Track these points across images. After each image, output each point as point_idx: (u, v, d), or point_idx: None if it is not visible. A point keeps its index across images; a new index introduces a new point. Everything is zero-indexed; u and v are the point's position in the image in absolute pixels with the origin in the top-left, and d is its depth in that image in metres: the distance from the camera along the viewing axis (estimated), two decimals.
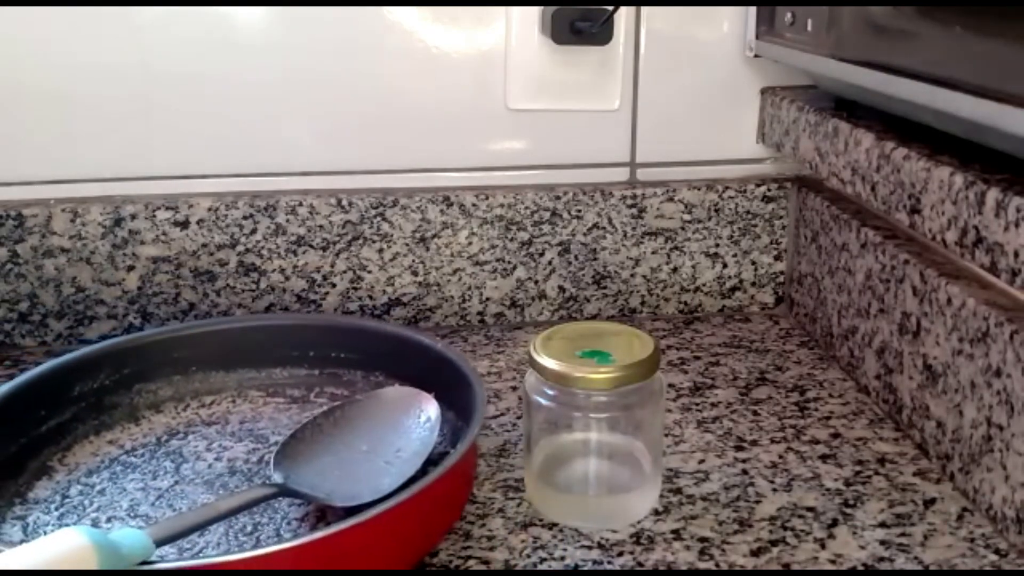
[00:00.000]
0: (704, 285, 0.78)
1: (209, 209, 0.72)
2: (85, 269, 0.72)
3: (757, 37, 0.72)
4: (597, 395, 0.50)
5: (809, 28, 0.63)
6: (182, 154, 0.73)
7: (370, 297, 0.76)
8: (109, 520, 0.52)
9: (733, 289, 0.79)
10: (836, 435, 0.60)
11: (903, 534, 0.50)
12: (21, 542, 0.50)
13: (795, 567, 0.48)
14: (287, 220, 0.73)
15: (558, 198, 0.75)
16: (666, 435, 0.60)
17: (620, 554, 0.49)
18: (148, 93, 0.71)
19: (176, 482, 0.55)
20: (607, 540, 0.50)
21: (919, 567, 0.48)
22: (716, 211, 0.76)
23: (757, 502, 0.53)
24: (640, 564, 0.48)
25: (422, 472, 0.55)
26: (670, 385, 0.67)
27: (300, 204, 0.73)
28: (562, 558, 0.49)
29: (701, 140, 0.77)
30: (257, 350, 0.65)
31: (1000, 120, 0.43)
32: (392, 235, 0.74)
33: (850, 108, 0.65)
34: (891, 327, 0.60)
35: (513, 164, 0.76)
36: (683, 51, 0.75)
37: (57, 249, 0.72)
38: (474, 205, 0.74)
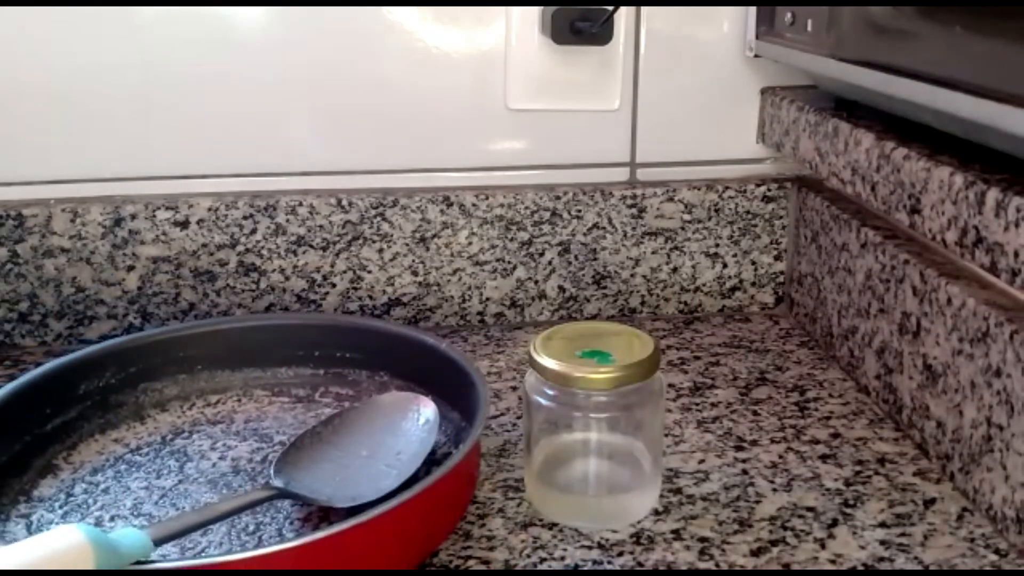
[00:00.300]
0: (704, 285, 0.78)
1: (209, 209, 0.72)
2: (85, 269, 0.72)
3: (757, 37, 0.72)
4: (597, 395, 0.50)
5: (809, 28, 0.63)
6: (182, 154, 0.73)
7: (370, 297, 0.76)
8: (112, 519, 0.52)
9: (733, 289, 0.79)
10: (836, 435, 0.60)
11: (903, 534, 0.50)
12: None
13: (795, 567, 0.48)
14: (287, 220, 0.73)
15: (558, 198, 0.75)
16: (666, 435, 0.60)
17: (620, 554, 0.49)
18: (148, 93, 0.71)
19: (180, 481, 0.55)
20: (607, 540, 0.50)
21: (919, 567, 0.48)
22: (716, 211, 0.76)
23: (757, 502, 0.53)
24: (640, 564, 0.48)
25: (424, 472, 0.56)
26: (670, 385, 0.67)
27: (300, 204, 0.73)
28: (562, 558, 0.49)
29: (701, 140, 0.77)
30: (262, 349, 0.65)
31: (1000, 120, 0.43)
32: (392, 235, 0.74)
33: (850, 108, 0.65)
34: (891, 327, 0.60)
35: (513, 164, 0.76)
36: (683, 51, 0.75)
37: (57, 249, 0.72)
38: (474, 205, 0.74)
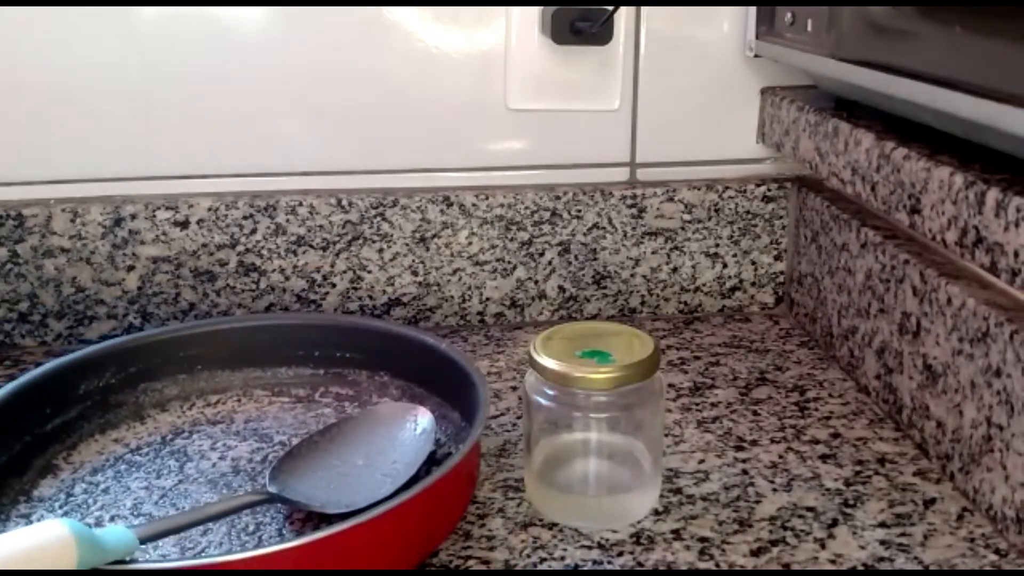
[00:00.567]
0: (704, 285, 0.78)
1: (209, 209, 0.72)
2: (85, 269, 0.72)
3: (757, 37, 0.72)
4: (597, 395, 0.50)
5: (809, 28, 0.63)
6: (182, 154, 0.73)
7: (370, 297, 0.76)
8: (112, 519, 0.52)
9: (733, 289, 0.79)
10: (836, 435, 0.60)
11: (903, 534, 0.50)
12: None
13: (795, 567, 0.48)
14: (287, 220, 0.73)
15: (558, 198, 0.75)
16: (666, 435, 0.60)
17: (620, 554, 0.49)
18: (148, 93, 0.71)
19: (180, 481, 0.55)
20: (607, 540, 0.50)
21: (919, 567, 0.48)
22: (716, 211, 0.76)
23: (757, 502, 0.53)
24: (640, 564, 0.48)
25: (424, 472, 0.56)
26: (670, 385, 0.67)
27: (300, 204, 0.73)
28: (562, 558, 0.49)
29: (701, 140, 0.77)
30: (263, 349, 0.65)
31: (1000, 120, 0.43)
32: (392, 235, 0.74)
33: (850, 108, 0.65)
34: (891, 327, 0.60)
35: (513, 164, 0.76)
36: (683, 51, 0.75)
37: (57, 249, 0.72)
38: (474, 205, 0.74)
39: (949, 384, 0.54)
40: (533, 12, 0.72)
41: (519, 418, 0.62)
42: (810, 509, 0.52)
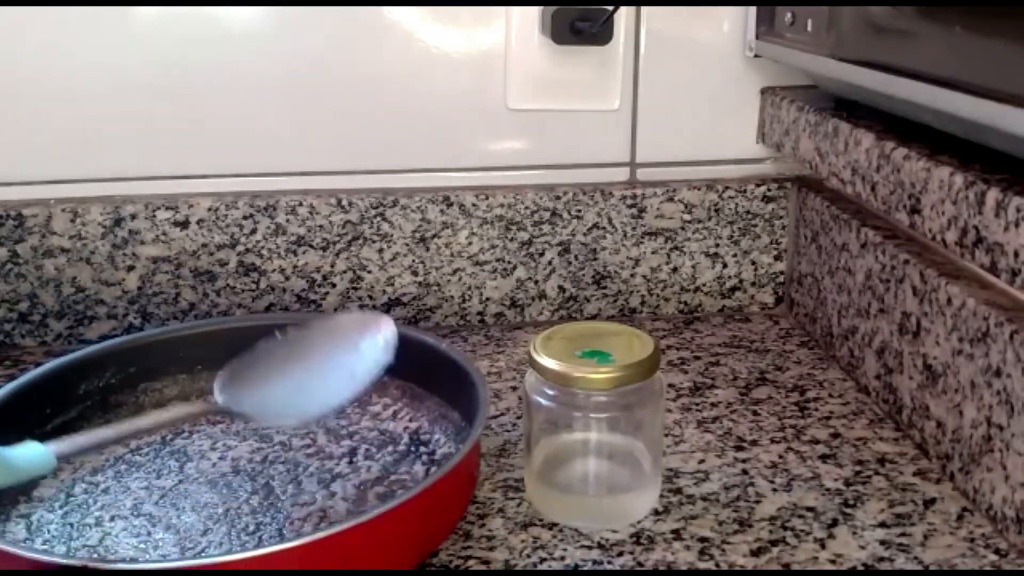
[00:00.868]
0: (704, 285, 0.78)
1: (209, 209, 0.72)
2: (85, 269, 0.72)
3: (757, 37, 0.72)
4: (597, 395, 0.50)
5: (809, 28, 0.63)
6: (182, 154, 0.73)
7: (370, 297, 0.76)
8: (112, 519, 0.52)
9: (733, 289, 0.79)
10: (836, 435, 0.60)
11: (903, 534, 0.50)
12: (25, 540, 0.50)
13: (795, 567, 0.48)
14: (287, 220, 0.73)
15: (558, 198, 0.75)
16: (666, 435, 0.60)
17: (620, 554, 0.49)
18: (148, 93, 0.71)
19: (180, 481, 0.55)
20: (607, 540, 0.50)
21: (919, 567, 0.48)
22: (716, 211, 0.76)
23: (757, 502, 0.53)
24: (640, 564, 0.48)
25: (424, 472, 0.56)
26: (670, 385, 0.67)
27: (300, 204, 0.73)
28: (562, 558, 0.49)
29: (701, 140, 0.77)
30: None
31: (1000, 120, 0.43)
32: (392, 235, 0.74)
33: (850, 108, 0.65)
34: (891, 327, 0.60)
35: (513, 164, 0.76)
36: (683, 51, 0.75)
37: (57, 249, 0.72)
38: (474, 205, 0.74)
39: (949, 384, 0.54)
40: (533, 12, 0.72)
41: (519, 418, 0.62)
42: (810, 509, 0.53)
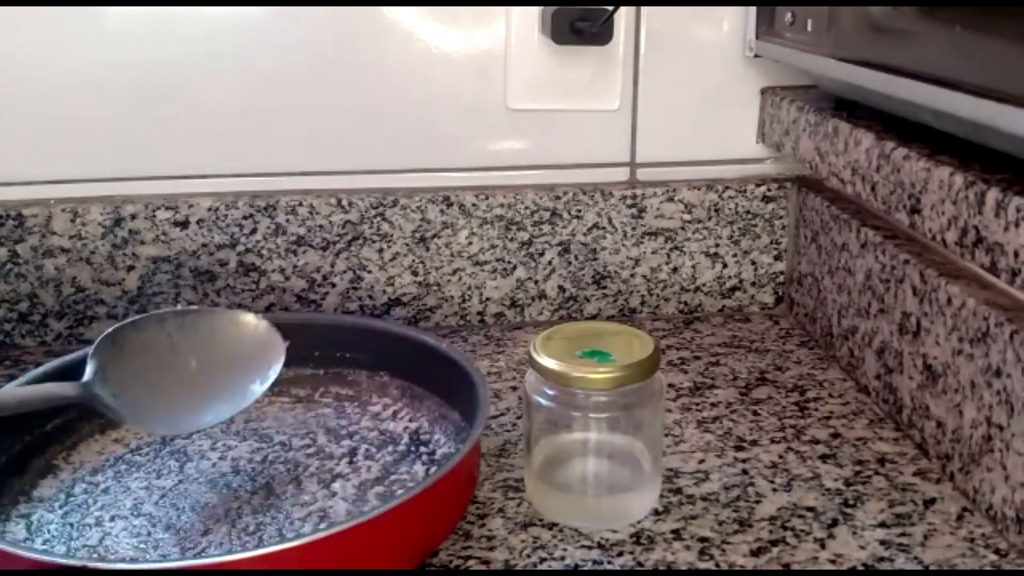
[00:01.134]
0: (704, 285, 0.78)
1: (209, 209, 0.72)
2: (85, 269, 0.72)
3: (757, 37, 0.72)
4: (597, 395, 0.50)
5: (809, 28, 0.63)
6: (182, 154, 0.73)
7: (370, 297, 0.76)
8: (112, 519, 0.52)
9: (733, 289, 0.79)
10: (836, 435, 0.60)
11: (903, 534, 0.50)
12: (25, 540, 0.50)
13: (795, 567, 0.48)
14: (287, 220, 0.73)
15: (558, 198, 0.75)
16: (666, 435, 0.60)
17: (620, 554, 0.49)
18: (148, 93, 0.71)
19: (180, 481, 0.55)
20: (607, 540, 0.50)
21: (919, 567, 0.48)
22: (716, 211, 0.76)
23: (757, 502, 0.53)
24: (640, 564, 0.48)
25: (424, 472, 0.56)
26: (670, 385, 0.67)
27: (300, 204, 0.73)
28: (562, 558, 0.49)
29: (701, 140, 0.77)
30: None
31: (1000, 120, 0.43)
32: (392, 235, 0.74)
33: (850, 108, 0.65)
34: (891, 327, 0.60)
35: (513, 164, 0.76)
36: (683, 51, 0.75)
37: (57, 249, 0.72)
38: (474, 205, 0.74)
39: (949, 384, 0.54)
40: (533, 12, 0.72)
41: (519, 418, 0.62)
42: (810, 509, 0.53)
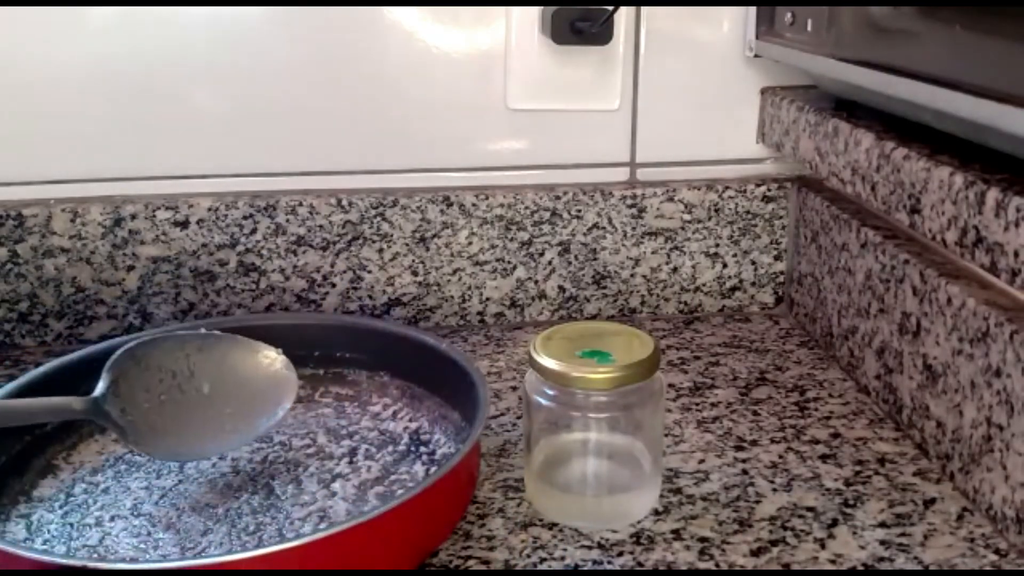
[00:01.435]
0: (704, 285, 0.78)
1: (209, 209, 0.72)
2: (85, 269, 0.72)
3: (757, 37, 0.72)
4: (597, 395, 0.50)
5: (809, 28, 0.63)
6: (182, 154, 0.73)
7: (370, 297, 0.76)
8: (112, 519, 0.52)
9: (733, 289, 0.79)
10: (836, 435, 0.60)
11: (903, 534, 0.50)
12: (25, 540, 0.50)
13: (795, 567, 0.48)
14: (287, 220, 0.73)
15: (558, 198, 0.75)
16: (666, 435, 0.60)
17: (620, 554, 0.49)
18: (148, 93, 0.71)
19: (180, 481, 0.55)
20: (607, 540, 0.50)
21: (919, 567, 0.48)
22: (716, 211, 0.76)
23: (757, 502, 0.53)
24: (640, 564, 0.48)
25: (424, 472, 0.56)
26: (670, 385, 0.67)
27: (300, 204, 0.73)
28: (562, 558, 0.49)
29: (701, 140, 0.77)
30: None
31: (1000, 120, 0.43)
32: (392, 235, 0.74)
33: (850, 108, 0.65)
34: (891, 327, 0.60)
35: (513, 164, 0.76)
36: (683, 51, 0.75)
37: (57, 249, 0.72)
38: (474, 205, 0.74)
39: (949, 384, 0.54)
40: (533, 12, 0.72)
41: (519, 418, 0.62)
42: (810, 509, 0.52)
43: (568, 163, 0.76)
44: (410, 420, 0.61)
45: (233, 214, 0.73)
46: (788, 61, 0.68)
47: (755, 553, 0.49)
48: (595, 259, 0.77)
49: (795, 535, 0.50)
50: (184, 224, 0.72)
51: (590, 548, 0.50)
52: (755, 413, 0.63)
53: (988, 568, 0.48)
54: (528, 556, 0.49)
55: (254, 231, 0.73)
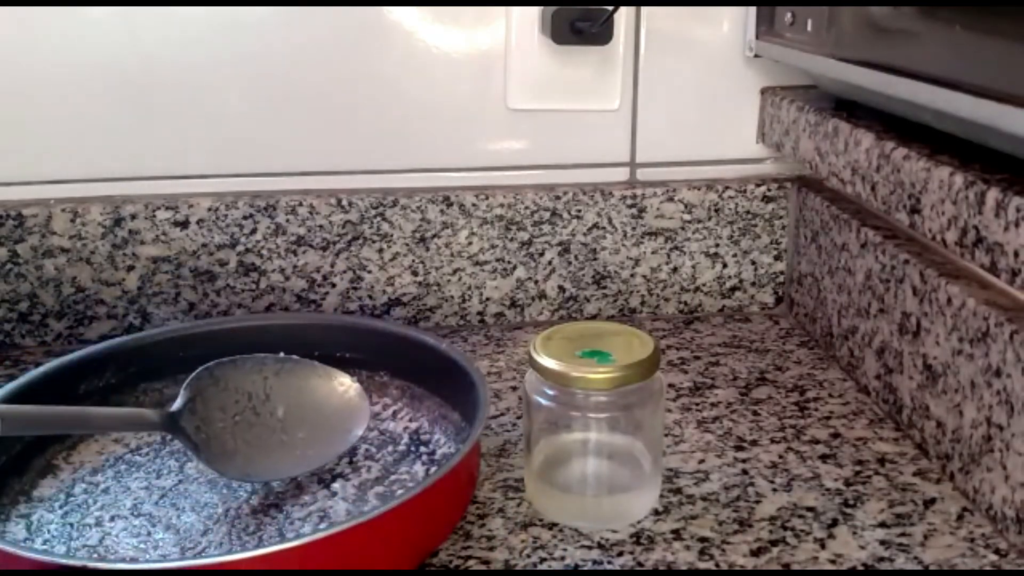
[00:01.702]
0: (704, 285, 0.78)
1: (209, 209, 0.72)
2: (85, 269, 0.72)
3: (757, 37, 0.72)
4: (597, 395, 0.50)
5: (809, 28, 0.63)
6: (182, 154, 0.73)
7: (370, 297, 0.76)
8: (112, 519, 0.52)
9: (733, 289, 0.79)
10: (836, 435, 0.60)
11: (903, 534, 0.50)
12: (25, 540, 0.50)
13: (795, 567, 0.48)
14: (287, 220, 0.73)
15: (558, 198, 0.75)
16: (666, 435, 0.60)
17: (620, 554, 0.49)
18: (148, 93, 0.71)
19: (180, 481, 0.55)
20: (607, 540, 0.50)
21: (919, 567, 0.48)
22: (716, 211, 0.76)
23: (757, 502, 0.53)
24: (640, 564, 0.48)
25: (424, 472, 0.56)
26: (670, 385, 0.67)
27: (300, 204, 0.73)
28: (562, 558, 0.49)
29: (701, 140, 0.77)
30: (263, 349, 0.65)
31: (1000, 120, 0.43)
32: (392, 235, 0.74)
33: (850, 108, 0.65)
34: (891, 327, 0.60)
35: (513, 164, 0.76)
36: (683, 51, 0.75)
37: (57, 249, 0.72)
38: (474, 205, 0.74)
39: (949, 384, 0.54)
40: (533, 12, 0.72)
41: (519, 418, 0.62)
42: (810, 509, 0.52)
43: (568, 163, 0.76)
44: (410, 420, 0.61)
45: (233, 214, 0.73)
46: (788, 61, 0.68)
47: (755, 553, 0.49)
48: (595, 259, 0.77)
49: (795, 535, 0.50)
50: (184, 224, 0.72)
51: (590, 548, 0.50)
52: (755, 413, 0.63)
53: (988, 568, 0.48)
54: (528, 556, 0.49)
55: (254, 231, 0.73)
